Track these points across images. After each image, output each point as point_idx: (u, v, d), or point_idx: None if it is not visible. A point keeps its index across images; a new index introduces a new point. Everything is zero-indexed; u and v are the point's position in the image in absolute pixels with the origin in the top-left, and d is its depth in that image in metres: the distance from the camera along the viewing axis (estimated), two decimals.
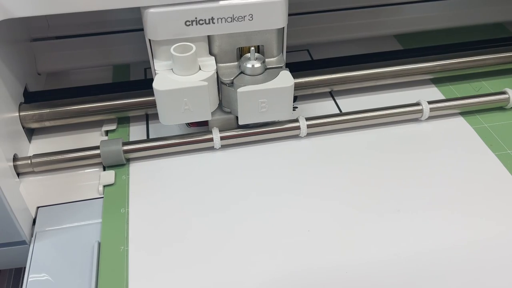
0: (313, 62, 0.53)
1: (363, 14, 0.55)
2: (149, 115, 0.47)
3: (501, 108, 0.47)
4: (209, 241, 0.35)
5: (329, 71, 0.47)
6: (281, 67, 0.40)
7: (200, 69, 0.38)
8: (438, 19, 0.57)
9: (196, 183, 0.40)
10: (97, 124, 0.46)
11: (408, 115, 0.45)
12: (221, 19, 0.36)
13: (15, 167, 0.40)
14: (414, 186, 0.39)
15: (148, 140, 0.42)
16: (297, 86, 0.44)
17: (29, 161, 0.40)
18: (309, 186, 0.39)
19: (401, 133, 0.44)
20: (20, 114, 0.43)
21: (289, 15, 0.38)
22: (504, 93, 0.47)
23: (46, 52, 0.50)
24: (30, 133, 0.45)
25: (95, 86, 0.47)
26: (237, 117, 0.41)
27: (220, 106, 0.42)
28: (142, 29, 0.51)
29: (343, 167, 0.41)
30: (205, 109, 0.39)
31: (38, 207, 0.39)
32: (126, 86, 0.47)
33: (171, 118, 0.39)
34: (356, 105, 0.47)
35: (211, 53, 0.39)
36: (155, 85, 0.37)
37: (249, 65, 0.39)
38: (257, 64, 0.39)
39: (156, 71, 0.38)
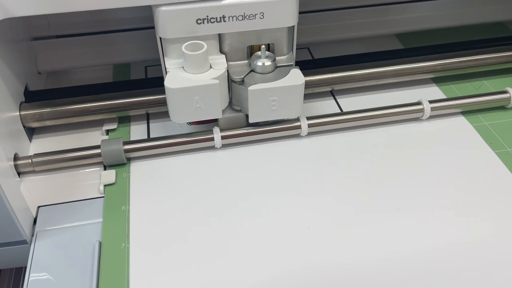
0: (314, 61, 0.53)
1: (364, 13, 0.55)
2: (150, 114, 0.47)
3: (502, 108, 0.47)
4: (209, 239, 0.35)
5: (330, 70, 0.47)
6: (291, 65, 0.40)
7: (211, 67, 0.38)
8: (439, 18, 0.57)
9: (197, 182, 0.40)
10: (98, 124, 0.46)
11: (409, 114, 0.45)
12: (232, 17, 0.36)
13: (16, 166, 0.40)
14: (414, 185, 0.39)
15: (149, 139, 0.42)
16: None
17: (30, 161, 0.40)
18: (310, 185, 0.39)
19: (402, 133, 0.44)
20: (21, 113, 0.42)
21: None
22: (505, 92, 0.46)
23: (46, 51, 0.50)
24: (31, 132, 0.45)
25: (96, 85, 0.47)
26: (247, 115, 0.41)
27: (230, 104, 0.42)
28: (142, 28, 0.52)
29: (343, 167, 0.41)
30: (216, 107, 0.39)
31: (38, 207, 0.39)
32: (127, 85, 0.47)
33: (182, 116, 0.39)
34: (357, 104, 0.47)
35: (221, 51, 0.39)
36: (166, 83, 0.37)
37: (259, 63, 0.39)
38: (268, 62, 0.39)
39: (167, 69, 0.38)
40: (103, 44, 0.52)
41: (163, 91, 0.44)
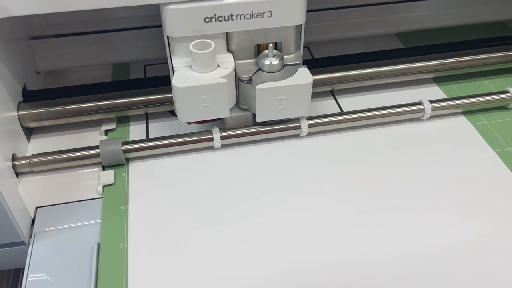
0: (314, 60, 0.53)
1: (364, 12, 0.55)
2: (149, 114, 0.47)
3: (503, 107, 0.47)
4: (209, 240, 0.35)
5: (330, 69, 0.47)
6: (299, 64, 0.40)
7: (218, 66, 0.38)
8: (439, 17, 0.57)
9: (196, 182, 0.40)
10: (97, 123, 0.45)
11: (409, 114, 0.45)
12: (240, 15, 0.36)
13: (14, 167, 0.39)
14: (414, 185, 0.39)
15: (148, 139, 0.42)
16: None
17: (28, 161, 0.40)
18: (310, 185, 0.39)
19: (402, 133, 0.44)
20: (19, 113, 0.42)
21: None
22: (506, 92, 0.46)
23: (45, 50, 0.50)
24: (29, 132, 0.45)
25: (94, 85, 0.47)
26: (254, 114, 0.41)
27: (237, 103, 0.42)
28: (142, 27, 0.52)
29: (344, 167, 0.41)
30: (223, 106, 0.39)
31: (37, 207, 0.38)
32: (126, 85, 0.46)
33: (190, 115, 0.39)
34: (357, 104, 0.47)
35: (228, 50, 0.39)
36: (174, 82, 0.37)
37: (267, 62, 0.39)
38: (275, 61, 0.39)
39: (174, 68, 0.38)
40: (102, 43, 0.51)
41: (162, 91, 0.44)
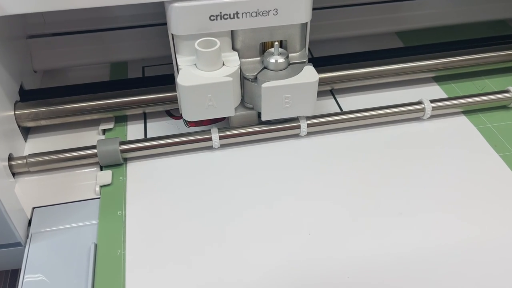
0: (313, 59, 0.52)
1: (363, 11, 0.55)
2: (147, 113, 0.46)
3: (504, 107, 0.47)
4: (208, 244, 0.35)
5: (329, 69, 0.47)
6: (304, 62, 0.40)
7: (223, 64, 0.38)
8: (440, 16, 0.57)
9: (194, 183, 0.39)
10: (94, 123, 0.45)
11: (410, 114, 0.44)
12: (246, 13, 0.36)
13: (10, 167, 0.39)
14: (415, 187, 0.39)
15: (146, 139, 0.42)
16: None
17: (25, 161, 0.39)
18: (309, 186, 0.39)
19: (402, 133, 0.44)
20: (16, 112, 0.42)
21: None
22: (507, 91, 0.46)
23: (42, 49, 0.49)
24: (26, 132, 0.44)
25: (92, 84, 0.47)
26: (259, 113, 0.41)
27: (242, 102, 0.41)
28: (140, 26, 0.51)
29: (343, 167, 0.40)
30: (229, 105, 0.39)
31: (33, 208, 0.38)
32: (124, 84, 0.46)
33: (195, 114, 0.39)
34: (357, 103, 0.46)
35: (234, 48, 0.39)
36: (179, 80, 0.36)
37: (272, 60, 0.38)
38: (281, 59, 0.38)
39: (179, 67, 0.38)
40: (100, 42, 0.51)
41: (160, 90, 0.44)
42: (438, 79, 0.50)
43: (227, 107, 0.39)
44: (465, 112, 0.46)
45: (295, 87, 0.38)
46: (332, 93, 0.49)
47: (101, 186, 0.39)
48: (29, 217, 0.37)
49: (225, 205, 0.38)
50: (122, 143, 0.41)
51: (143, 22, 0.51)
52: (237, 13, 0.36)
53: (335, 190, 0.38)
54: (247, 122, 0.42)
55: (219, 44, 0.36)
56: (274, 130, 0.42)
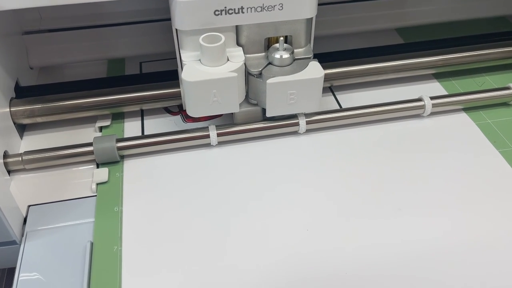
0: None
1: (363, 7, 0.55)
2: (144, 110, 0.46)
3: (505, 104, 0.46)
4: (205, 240, 0.35)
5: (328, 65, 0.46)
6: (309, 57, 0.39)
7: (228, 60, 0.37)
8: (440, 12, 0.56)
9: (192, 180, 0.39)
10: (91, 120, 0.45)
11: (409, 111, 0.44)
12: (251, 8, 0.35)
13: (6, 164, 0.39)
14: (415, 184, 0.38)
15: (143, 136, 0.41)
16: None
17: (20, 158, 0.39)
18: (308, 184, 0.39)
19: (402, 130, 0.44)
20: (11, 109, 0.42)
21: None
22: (508, 88, 0.46)
23: (38, 45, 0.49)
24: (22, 129, 0.44)
25: (89, 80, 0.47)
26: (264, 109, 0.40)
27: (247, 98, 0.41)
28: (138, 22, 0.51)
29: (342, 164, 0.40)
30: (233, 100, 0.38)
31: (29, 206, 0.38)
32: (121, 81, 0.46)
33: (199, 110, 0.38)
34: (357, 100, 0.46)
35: (238, 44, 0.39)
36: (184, 76, 0.36)
37: (277, 56, 0.38)
38: (286, 55, 0.38)
39: (183, 62, 0.37)
40: (97, 38, 0.51)
41: (158, 87, 0.44)
42: (438, 76, 0.50)
43: (232, 103, 0.38)
44: (465, 109, 0.46)
45: (300, 83, 0.38)
46: (331, 89, 0.49)
47: (97, 184, 0.39)
48: (24, 215, 0.37)
49: (222, 202, 0.37)
50: (119, 140, 0.40)
51: (141, 18, 0.51)
52: (242, 8, 0.35)
53: (334, 187, 0.38)
54: (252, 118, 0.42)
55: (223, 39, 0.36)
56: (273, 127, 0.42)
